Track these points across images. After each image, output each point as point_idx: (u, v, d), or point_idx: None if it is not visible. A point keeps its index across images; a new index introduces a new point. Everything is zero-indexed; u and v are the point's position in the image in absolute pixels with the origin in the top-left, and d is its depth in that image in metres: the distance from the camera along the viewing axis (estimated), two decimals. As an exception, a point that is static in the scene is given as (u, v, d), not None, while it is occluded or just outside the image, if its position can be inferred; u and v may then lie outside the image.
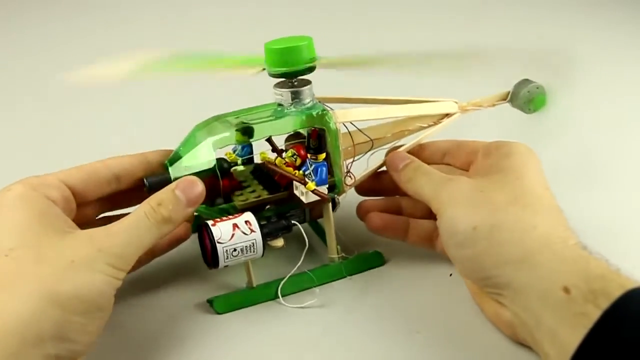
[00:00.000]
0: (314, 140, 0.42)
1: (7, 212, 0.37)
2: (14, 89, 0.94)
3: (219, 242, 0.40)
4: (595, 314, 0.31)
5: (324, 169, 0.43)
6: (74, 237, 0.37)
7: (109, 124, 0.78)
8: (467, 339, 0.40)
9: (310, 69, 0.44)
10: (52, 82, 0.90)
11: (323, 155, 0.43)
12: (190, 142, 0.44)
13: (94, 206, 0.45)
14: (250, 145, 0.46)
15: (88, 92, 0.88)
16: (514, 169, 0.41)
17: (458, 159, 0.47)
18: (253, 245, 0.41)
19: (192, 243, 0.51)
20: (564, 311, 0.32)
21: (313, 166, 0.43)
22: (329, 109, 0.44)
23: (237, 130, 0.44)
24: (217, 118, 0.45)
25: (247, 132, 0.44)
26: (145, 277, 0.47)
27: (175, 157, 0.44)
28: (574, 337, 0.31)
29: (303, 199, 0.43)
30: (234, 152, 0.47)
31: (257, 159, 0.48)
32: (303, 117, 0.44)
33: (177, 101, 0.82)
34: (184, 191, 0.40)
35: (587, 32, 0.99)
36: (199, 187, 0.40)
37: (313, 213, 0.48)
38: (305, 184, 0.42)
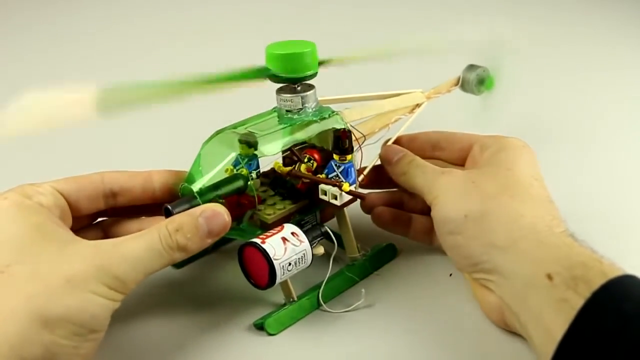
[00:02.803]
0: (344, 141, 0.42)
1: (4, 224, 0.35)
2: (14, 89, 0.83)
3: (275, 259, 0.38)
4: (575, 300, 0.32)
5: (352, 168, 0.43)
6: (74, 250, 0.34)
7: (103, 132, 0.71)
8: (468, 338, 0.41)
9: (314, 75, 0.43)
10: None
11: (351, 156, 0.43)
12: (203, 161, 0.41)
13: (88, 217, 0.42)
14: (257, 158, 0.45)
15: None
16: (506, 161, 0.43)
17: (450, 154, 0.48)
18: (304, 256, 0.40)
19: (201, 267, 0.48)
20: (547, 297, 0.34)
21: (342, 167, 0.43)
22: (335, 110, 0.45)
23: (241, 143, 0.42)
24: (220, 131, 0.43)
25: (252, 144, 0.43)
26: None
27: (191, 180, 0.41)
28: (557, 322, 0.32)
29: (336, 202, 0.42)
30: (235, 167, 0.45)
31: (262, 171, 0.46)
32: (318, 121, 0.43)
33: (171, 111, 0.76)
34: (208, 220, 0.37)
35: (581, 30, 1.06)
36: (225, 219, 0.38)
37: (322, 216, 0.48)
38: (340, 186, 0.42)
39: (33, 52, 1.04)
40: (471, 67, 0.56)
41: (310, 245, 0.41)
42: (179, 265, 0.47)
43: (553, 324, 0.32)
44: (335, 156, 0.43)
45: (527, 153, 0.44)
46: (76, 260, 0.34)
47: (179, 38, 1.05)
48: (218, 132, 0.43)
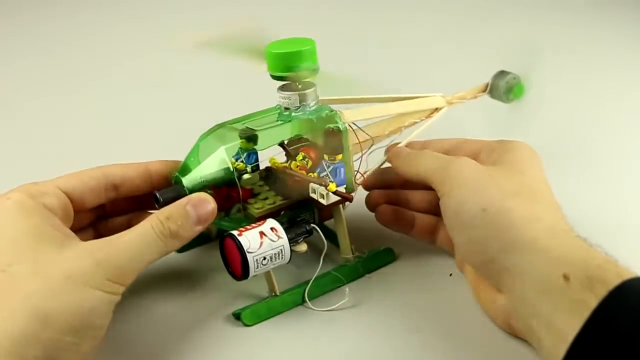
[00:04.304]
0: (333, 141, 0.42)
1: (7, 224, 0.36)
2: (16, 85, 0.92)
3: (249, 252, 0.39)
4: (592, 300, 0.31)
5: (342, 169, 0.43)
6: (73, 249, 0.35)
7: (110, 129, 0.76)
8: (468, 338, 0.41)
9: (315, 72, 0.44)
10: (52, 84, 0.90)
11: (341, 156, 0.43)
12: (198, 152, 0.43)
13: (89, 214, 0.44)
14: (256, 153, 0.46)
15: (89, 95, 0.87)
16: (518, 163, 0.42)
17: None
18: (281, 251, 0.40)
19: (200, 255, 0.50)
20: (562, 298, 0.33)
21: (331, 167, 0.43)
22: (335, 109, 0.45)
23: (244, 137, 0.43)
24: (221, 125, 0.44)
25: (251, 139, 0.44)
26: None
27: (184, 169, 0.42)
28: (570, 324, 0.31)
29: (323, 201, 0.43)
30: (237, 160, 0.46)
31: (261, 166, 0.47)
32: (313, 119, 0.44)
33: (175, 107, 0.81)
34: (195, 208, 0.39)
35: (584, 31, 1.03)
36: (211, 205, 0.40)
37: (321, 215, 0.48)
38: (326, 185, 0.42)
39: (32, 55, 1.06)
40: (501, 74, 0.54)
41: (292, 242, 0.42)
42: (180, 250, 0.49)
43: (566, 325, 0.32)
44: (325, 156, 0.43)
45: (536, 157, 0.43)
46: (75, 257, 0.35)
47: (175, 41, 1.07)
48: (219, 126, 0.44)
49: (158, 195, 0.41)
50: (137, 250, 0.37)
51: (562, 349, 0.31)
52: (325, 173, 0.43)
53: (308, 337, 0.41)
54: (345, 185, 0.44)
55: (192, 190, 0.41)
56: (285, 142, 0.46)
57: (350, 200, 0.43)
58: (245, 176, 0.46)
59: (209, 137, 0.44)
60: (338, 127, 0.43)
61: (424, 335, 0.41)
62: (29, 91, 0.90)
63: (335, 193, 0.42)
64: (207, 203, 0.39)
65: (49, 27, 1.20)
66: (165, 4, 1.29)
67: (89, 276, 0.34)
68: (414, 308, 0.43)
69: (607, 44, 0.96)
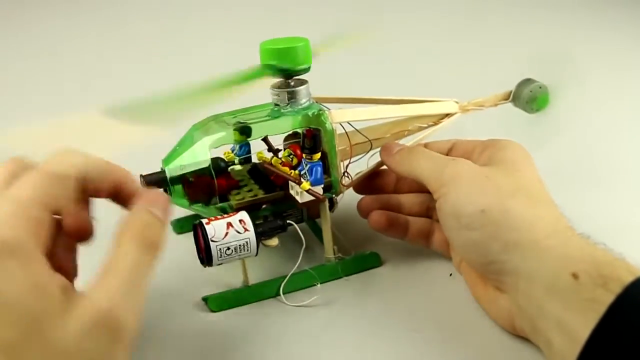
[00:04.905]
0: (309, 140, 0.42)
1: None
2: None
3: (212, 241, 0.40)
4: (606, 298, 0.31)
5: (319, 168, 0.43)
6: (78, 317, 0.28)
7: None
8: (466, 338, 0.40)
9: (306, 70, 0.44)
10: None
11: (318, 155, 0.43)
12: (186, 141, 0.44)
13: None
14: (248, 145, 0.47)
15: (88, 93, 0.89)
16: (512, 162, 0.41)
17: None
18: (247, 244, 0.41)
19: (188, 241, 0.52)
20: (572, 297, 0.32)
21: (308, 166, 0.43)
22: (325, 109, 0.45)
23: (234, 129, 0.44)
24: (214, 118, 0.46)
25: (244, 131, 0.45)
26: None
27: (171, 157, 0.44)
28: (584, 324, 0.31)
29: (298, 198, 0.43)
30: (232, 151, 0.48)
31: (255, 159, 0.48)
32: (299, 117, 0.44)
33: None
34: (157, 207, 0.33)
35: (588, 33, 0.99)
36: (162, 196, 0.35)
37: (311, 213, 0.48)
38: (300, 183, 0.42)
39: (31, 60, 1.06)
40: (526, 82, 0.51)
41: (264, 236, 0.42)
42: (180, 231, 0.52)
43: (579, 323, 0.31)
44: (303, 154, 0.43)
45: (528, 156, 0.43)
46: (84, 330, 0.28)
47: (172, 42, 1.07)
48: (212, 118, 0.46)
49: (141, 177, 0.43)
50: (134, 285, 0.30)
51: (576, 348, 0.31)
52: (303, 171, 0.43)
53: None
54: (322, 185, 0.43)
55: (173, 177, 0.43)
56: (281, 137, 0.47)
57: (321, 200, 0.43)
58: (236, 167, 0.47)
59: (200, 129, 0.45)
60: (318, 127, 0.43)
61: (425, 334, 0.41)
62: (28, 90, 0.93)
63: (307, 192, 0.42)
64: (159, 196, 0.35)
65: (49, 27, 1.23)
66: (164, 3, 1.31)
67: (105, 347, 0.29)
68: (411, 308, 0.43)
69: (607, 44, 0.91)
